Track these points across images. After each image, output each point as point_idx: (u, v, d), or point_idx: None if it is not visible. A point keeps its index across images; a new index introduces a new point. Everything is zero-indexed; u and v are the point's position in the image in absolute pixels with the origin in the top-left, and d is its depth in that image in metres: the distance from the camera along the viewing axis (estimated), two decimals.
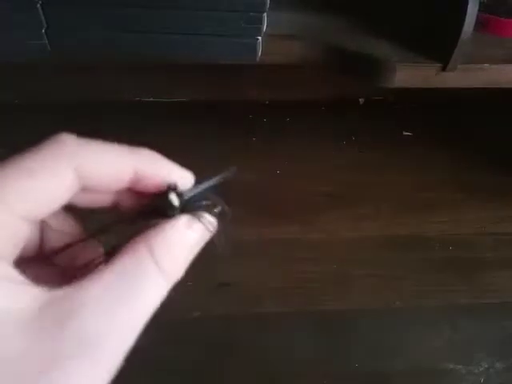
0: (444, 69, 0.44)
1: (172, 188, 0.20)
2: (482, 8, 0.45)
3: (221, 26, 0.41)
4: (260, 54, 0.44)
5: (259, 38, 0.42)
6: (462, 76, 0.45)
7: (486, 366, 0.41)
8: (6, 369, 0.14)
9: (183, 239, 0.19)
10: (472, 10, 0.40)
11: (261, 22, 0.41)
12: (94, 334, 0.16)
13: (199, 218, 0.20)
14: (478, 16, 0.41)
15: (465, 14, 0.40)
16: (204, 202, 0.21)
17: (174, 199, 0.20)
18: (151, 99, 0.71)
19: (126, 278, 0.17)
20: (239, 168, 0.22)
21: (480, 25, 0.46)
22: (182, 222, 0.19)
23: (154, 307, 0.18)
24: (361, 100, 0.74)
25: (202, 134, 0.65)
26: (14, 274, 0.16)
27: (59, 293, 0.16)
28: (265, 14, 0.41)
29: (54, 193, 0.18)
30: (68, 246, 0.20)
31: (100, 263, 0.19)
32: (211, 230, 0.20)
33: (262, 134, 0.66)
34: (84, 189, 0.19)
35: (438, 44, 0.44)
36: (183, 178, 0.21)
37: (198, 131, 0.65)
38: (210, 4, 0.40)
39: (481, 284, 0.48)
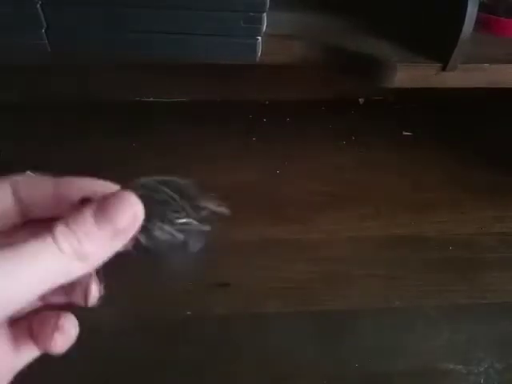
0: (444, 69, 0.44)
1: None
2: (482, 8, 0.45)
3: (221, 26, 0.41)
4: (260, 54, 0.44)
5: (259, 38, 0.42)
6: (462, 76, 0.45)
7: (486, 366, 0.41)
8: None
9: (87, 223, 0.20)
10: (472, 9, 0.40)
11: (261, 22, 0.41)
12: None
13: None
14: (478, 16, 0.41)
15: (465, 14, 0.40)
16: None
17: None
18: (151, 99, 0.71)
19: (19, 247, 0.18)
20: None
21: (480, 25, 0.46)
22: (90, 212, 0.20)
23: (47, 277, 0.19)
24: (361, 100, 0.74)
25: (202, 134, 0.65)
26: None
27: None
28: (265, 14, 0.41)
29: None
30: None
31: None
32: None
33: (262, 134, 0.66)
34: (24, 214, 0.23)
35: (438, 44, 0.44)
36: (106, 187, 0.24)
37: (198, 131, 0.65)
38: (209, 4, 0.40)
39: (481, 284, 0.48)
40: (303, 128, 0.68)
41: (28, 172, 0.23)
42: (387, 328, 0.44)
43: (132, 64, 0.62)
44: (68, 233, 0.19)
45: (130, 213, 0.20)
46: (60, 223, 0.19)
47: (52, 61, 0.45)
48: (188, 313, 0.44)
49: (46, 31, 0.41)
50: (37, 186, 0.23)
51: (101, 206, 0.20)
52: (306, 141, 0.65)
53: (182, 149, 0.62)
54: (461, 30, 0.41)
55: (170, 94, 0.71)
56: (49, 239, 0.19)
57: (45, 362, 0.22)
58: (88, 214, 0.20)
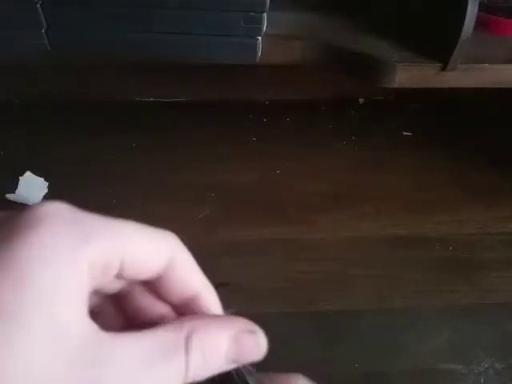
0: (444, 69, 0.44)
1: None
2: (482, 8, 0.45)
3: (221, 26, 0.41)
4: (260, 53, 0.44)
5: (259, 38, 0.42)
6: (462, 76, 0.45)
7: (486, 366, 0.41)
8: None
9: (223, 350, 0.19)
10: (472, 9, 0.40)
11: (261, 22, 0.41)
12: None
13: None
14: (478, 16, 0.41)
15: (465, 13, 0.40)
16: None
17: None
18: (151, 99, 0.71)
19: (156, 349, 0.17)
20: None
21: (480, 25, 0.46)
22: (233, 332, 0.19)
23: None
24: (361, 100, 0.74)
25: (202, 134, 0.65)
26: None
27: (102, 337, 0.17)
28: (265, 14, 0.41)
29: (152, 263, 0.19)
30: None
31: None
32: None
33: (262, 134, 0.66)
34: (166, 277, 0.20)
35: (438, 44, 0.44)
36: (207, 292, 0.22)
37: (198, 131, 0.65)
38: (209, 4, 0.40)
39: (481, 284, 0.48)
40: (303, 128, 0.68)
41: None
42: (387, 328, 0.44)
43: (132, 64, 0.62)
44: (200, 356, 0.18)
45: (258, 357, 0.21)
46: (197, 344, 0.18)
47: (52, 61, 0.45)
48: None
49: (46, 31, 0.41)
50: (184, 279, 0.20)
51: (238, 340, 0.19)
52: (305, 141, 0.65)
53: (182, 149, 0.62)
54: (461, 30, 0.41)
55: (170, 94, 0.71)
56: (181, 356, 0.17)
57: None
58: (224, 343, 0.19)
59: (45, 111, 0.65)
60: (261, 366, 0.43)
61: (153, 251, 0.19)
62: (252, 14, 0.41)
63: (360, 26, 0.49)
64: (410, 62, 0.45)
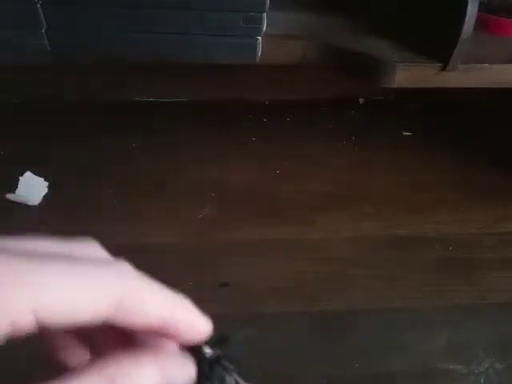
0: (444, 69, 0.44)
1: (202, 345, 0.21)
2: (482, 8, 0.45)
3: (221, 25, 0.41)
4: (260, 53, 0.44)
5: (259, 38, 0.43)
6: (461, 76, 0.45)
7: (486, 366, 0.41)
8: None
9: None
10: (472, 9, 0.40)
11: (261, 22, 0.41)
12: None
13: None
14: (478, 16, 0.41)
15: (465, 14, 0.40)
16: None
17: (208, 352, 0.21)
18: (151, 99, 0.71)
19: None
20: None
21: (480, 25, 0.46)
22: (160, 366, 0.19)
23: None
24: (361, 100, 0.74)
25: (202, 134, 0.65)
26: None
27: None
28: (265, 14, 0.41)
29: (86, 309, 0.17)
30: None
31: None
32: None
33: (262, 134, 0.66)
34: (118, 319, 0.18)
35: (438, 44, 0.44)
36: (205, 331, 0.21)
37: (198, 131, 0.65)
38: (209, 4, 0.40)
39: (481, 284, 0.48)
40: (303, 128, 0.68)
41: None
42: (387, 328, 0.44)
43: (132, 64, 0.62)
44: None
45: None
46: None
47: (52, 61, 0.44)
48: None
49: (46, 31, 0.41)
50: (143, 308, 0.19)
51: (164, 370, 0.19)
52: (305, 141, 0.65)
53: (182, 149, 0.62)
54: (461, 30, 0.41)
55: (170, 94, 0.71)
56: None
57: None
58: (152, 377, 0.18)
59: (45, 111, 0.65)
60: (261, 366, 0.43)
61: (83, 300, 0.17)
62: (252, 13, 0.41)
63: (360, 26, 0.49)
64: (410, 61, 0.45)
